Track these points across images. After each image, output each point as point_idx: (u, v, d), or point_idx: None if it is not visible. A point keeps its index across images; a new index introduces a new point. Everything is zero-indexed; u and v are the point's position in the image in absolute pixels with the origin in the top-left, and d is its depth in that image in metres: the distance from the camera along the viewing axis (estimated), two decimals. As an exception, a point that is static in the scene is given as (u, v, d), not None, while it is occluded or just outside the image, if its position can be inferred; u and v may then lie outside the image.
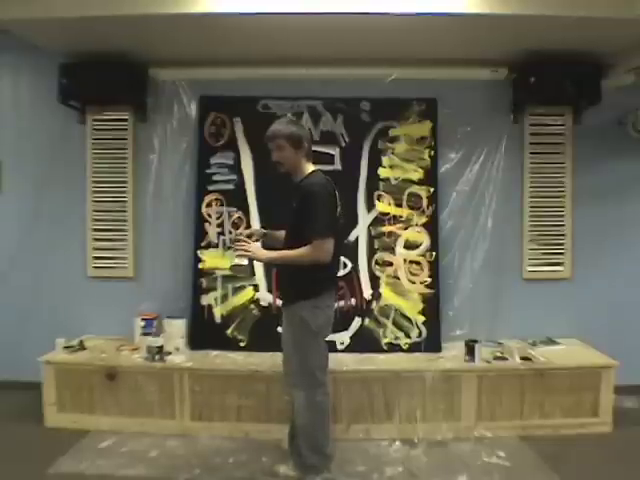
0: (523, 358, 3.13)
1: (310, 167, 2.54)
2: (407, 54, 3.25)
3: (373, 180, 3.44)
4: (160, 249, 3.52)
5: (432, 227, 3.42)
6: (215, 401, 3.02)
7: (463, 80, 3.43)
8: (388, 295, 3.38)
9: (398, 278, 3.40)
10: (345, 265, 3.39)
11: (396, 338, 3.34)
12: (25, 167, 3.57)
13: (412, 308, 3.37)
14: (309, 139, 2.57)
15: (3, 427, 3.06)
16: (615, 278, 3.54)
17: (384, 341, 3.33)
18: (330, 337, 3.25)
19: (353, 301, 3.38)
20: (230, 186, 3.44)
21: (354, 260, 3.40)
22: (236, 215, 3.43)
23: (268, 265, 3.22)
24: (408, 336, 3.34)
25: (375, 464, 2.72)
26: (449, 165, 3.51)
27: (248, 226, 3.40)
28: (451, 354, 3.24)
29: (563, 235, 3.51)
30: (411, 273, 3.40)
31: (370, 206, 3.43)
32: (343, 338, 3.34)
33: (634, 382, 3.38)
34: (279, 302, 3.34)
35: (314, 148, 3.36)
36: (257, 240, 2.57)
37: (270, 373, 2.99)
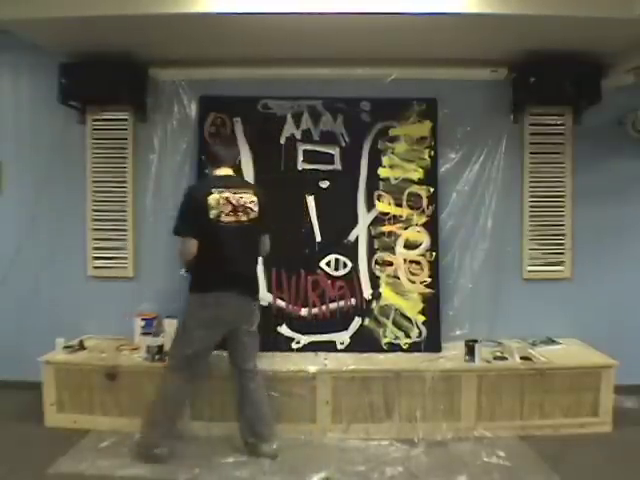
0: (523, 358, 3.13)
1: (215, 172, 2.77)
2: (407, 54, 3.25)
3: (373, 180, 3.44)
4: (160, 249, 3.51)
5: (432, 227, 3.42)
6: (215, 401, 3.02)
7: (463, 80, 3.43)
8: (388, 295, 3.38)
9: (398, 278, 3.40)
10: (345, 265, 3.40)
11: (396, 338, 3.34)
12: (25, 167, 3.57)
13: (412, 308, 3.37)
14: (212, 149, 2.86)
15: (3, 427, 3.06)
16: (615, 278, 3.54)
17: (384, 341, 3.33)
18: (330, 337, 3.31)
19: (353, 301, 3.39)
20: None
21: (354, 260, 3.40)
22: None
23: None
24: (408, 336, 3.34)
25: (375, 464, 2.71)
26: (449, 165, 3.50)
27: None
28: (451, 354, 3.23)
29: (563, 235, 3.51)
30: (411, 273, 3.40)
31: (370, 206, 3.43)
32: (343, 338, 3.34)
33: (634, 382, 3.38)
34: (279, 302, 3.38)
35: (314, 148, 3.44)
36: None
37: (270, 373, 2.99)
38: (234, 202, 2.62)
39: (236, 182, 2.75)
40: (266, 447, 2.72)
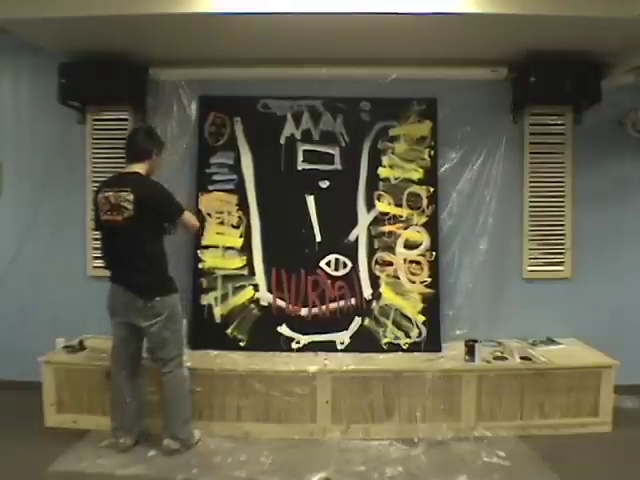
0: (523, 358, 3.13)
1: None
2: (407, 54, 3.25)
3: (373, 180, 3.43)
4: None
5: (432, 227, 3.42)
6: (215, 401, 3.02)
7: (463, 80, 3.43)
8: (388, 295, 3.38)
9: (398, 278, 3.39)
10: (345, 265, 3.40)
11: (396, 338, 3.34)
12: (25, 167, 3.57)
13: (412, 308, 3.36)
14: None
15: (3, 427, 3.06)
16: (615, 278, 3.54)
17: (384, 341, 3.33)
18: (330, 337, 3.31)
19: (353, 301, 3.38)
20: (230, 186, 3.44)
21: (354, 260, 3.40)
22: (236, 215, 3.43)
23: None
24: (408, 336, 3.34)
25: (375, 464, 2.71)
26: (449, 165, 3.50)
27: (248, 226, 3.41)
28: (451, 354, 3.23)
29: (563, 235, 3.51)
30: (411, 273, 3.40)
31: (370, 206, 3.43)
32: (343, 338, 3.34)
33: (634, 382, 3.38)
34: (279, 302, 3.37)
35: (314, 148, 3.44)
36: None
37: (270, 373, 2.99)
38: (112, 201, 2.69)
39: (122, 181, 2.74)
40: (165, 441, 2.78)
